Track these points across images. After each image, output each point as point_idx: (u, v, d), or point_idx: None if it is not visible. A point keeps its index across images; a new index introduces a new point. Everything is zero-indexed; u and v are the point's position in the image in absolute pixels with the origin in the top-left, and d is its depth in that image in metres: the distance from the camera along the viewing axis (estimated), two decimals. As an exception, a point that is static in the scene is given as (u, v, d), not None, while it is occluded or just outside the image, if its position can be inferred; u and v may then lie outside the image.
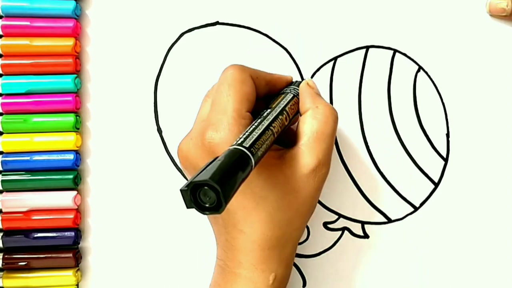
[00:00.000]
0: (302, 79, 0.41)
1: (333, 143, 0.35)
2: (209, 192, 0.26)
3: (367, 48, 0.42)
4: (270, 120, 0.33)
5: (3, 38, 0.40)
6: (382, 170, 0.41)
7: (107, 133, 0.41)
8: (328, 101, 0.41)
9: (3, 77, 0.40)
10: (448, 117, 0.42)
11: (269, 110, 0.34)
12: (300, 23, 0.41)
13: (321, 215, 0.41)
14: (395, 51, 0.42)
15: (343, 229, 0.42)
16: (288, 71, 0.41)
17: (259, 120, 0.32)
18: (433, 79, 0.42)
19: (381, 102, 0.42)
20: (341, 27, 0.41)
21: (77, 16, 0.40)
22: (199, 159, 0.33)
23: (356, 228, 0.42)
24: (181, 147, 0.35)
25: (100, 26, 0.41)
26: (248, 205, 0.32)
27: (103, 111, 0.41)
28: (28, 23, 0.39)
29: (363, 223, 0.42)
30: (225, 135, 0.32)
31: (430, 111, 0.42)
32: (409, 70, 0.42)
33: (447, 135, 0.42)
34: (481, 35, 0.42)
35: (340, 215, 0.42)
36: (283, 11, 0.41)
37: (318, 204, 0.41)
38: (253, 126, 0.31)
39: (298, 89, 0.37)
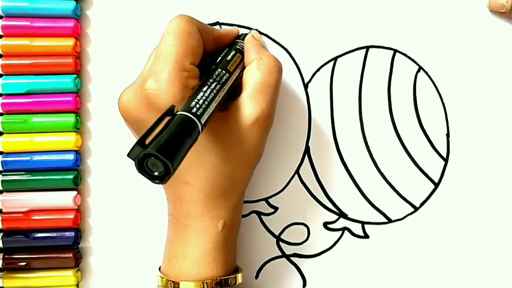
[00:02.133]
0: (304, 83, 0.41)
1: (277, 95, 0.36)
2: (157, 163, 0.27)
3: (367, 48, 0.42)
4: (217, 81, 0.33)
5: (3, 38, 0.40)
6: (382, 170, 0.41)
7: (107, 133, 0.41)
8: (329, 102, 0.41)
9: (3, 77, 0.40)
10: (448, 117, 0.42)
11: (217, 71, 0.34)
12: (300, 23, 0.41)
13: (321, 215, 0.41)
14: (395, 51, 0.42)
15: (343, 229, 0.42)
16: (288, 71, 0.41)
17: (206, 83, 0.32)
18: (433, 79, 0.42)
19: (381, 102, 0.42)
20: (341, 27, 0.41)
21: (77, 16, 0.40)
22: (140, 112, 0.33)
23: (356, 228, 0.42)
24: (121, 98, 0.35)
25: (100, 26, 0.41)
26: (192, 156, 0.32)
27: (103, 111, 0.41)
28: (28, 23, 0.39)
29: (363, 223, 0.42)
30: (165, 86, 0.32)
31: (430, 111, 0.42)
32: (409, 70, 0.42)
33: (447, 135, 0.42)
34: (481, 35, 0.42)
35: (340, 215, 0.42)
36: (283, 11, 0.41)
37: (318, 204, 0.41)
38: (200, 89, 0.31)
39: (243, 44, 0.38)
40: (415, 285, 0.42)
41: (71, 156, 0.40)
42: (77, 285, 0.41)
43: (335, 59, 0.42)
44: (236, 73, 0.36)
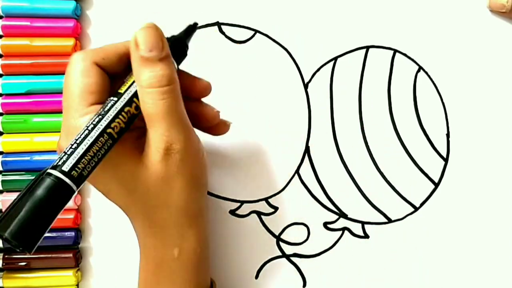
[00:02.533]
0: (304, 83, 0.41)
1: (177, 117, 0.31)
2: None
3: (367, 48, 0.42)
4: (100, 124, 0.29)
5: (3, 38, 0.40)
6: (382, 170, 0.41)
7: (107, 133, 0.41)
8: (329, 102, 0.41)
9: (3, 77, 0.40)
10: (448, 117, 0.42)
11: (105, 107, 0.30)
12: (300, 23, 0.41)
13: (321, 215, 0.41)
14: (395, 51, 0.42)
15: (343, 229, 0.42)
16: (288, 71, 0.41)
17: (86, 129, 0.29)
18: (433, 79, 0.42)
19: (381, 102, 0.42)
20: (341, 27, 0.41)
21: (77, 16, 0.40)
22: None
23: (356, 228, 0.42)
24: (58, 142, 0.33)
25: (100, 26, 0.41)
26: (123, 201, 0.33)
27: (103, 111, 0.41)
28: (28, 23, 0.39)
29: (363, 223, 0.42)
30: (65, 140, 0.31)
31: (430, 111, 0.42)
32: (409, 70, 0.42)
33: (447, 135, 0.42)
34: (481, 35, 0.42)
35: (340, 215, 0.42)
36: (283, 11, 0.41)
37: (318, 204, 0.41)
38: (80, 137, 0.29)
39: None
40: (415, 285, 0.42)
41: (71, 156, 0.40)
42: (77, 285, 0.41)
43: (335, 59, 0.42)
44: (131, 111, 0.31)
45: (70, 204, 0.40)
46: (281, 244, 0.41)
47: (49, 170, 0.28)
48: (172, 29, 0.41)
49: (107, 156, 0.30)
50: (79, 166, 0.28)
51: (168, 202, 0.33)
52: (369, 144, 0.41)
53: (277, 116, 0.41)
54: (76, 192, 0.28)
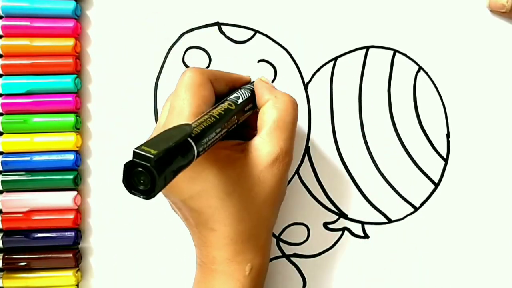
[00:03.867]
0: (304, 83, 0.41)
1: (294, 131, 0.35)
2: (145, 175, 0.25)
3: (367, 48, 0.42)
4: (220, 110, 0.32)
5: (3, 38, 0.40)
6: (382, 170, 0.41)
7: (107, 133, 0.41)
8: (329, 102, 0.41)
9: (3, 77, 0.40)
10: (448, 117, 0.42)
11: (221, 103, 0.34)
12: (300, 23, 0.41)
13: (321, 215, 0.41)
14: (395, 51, 0.42)
15: (343, 229, 0.42)
16: (288, 71, 0.41)
17: (209, 112, 0.32)
18: (433, 79, 0.42)
19: (381, 102, 0.42)
20: (341, 27, 0.41)
21: (77, 16, 0.40)
22: None
23: (356, 228, 0.42)
24: None
25: (100, 26, 0.41)
26: (215, 203, 0.32)
27: (103, 111, 0.41)
28: (28, 23, 0.39)
29: (363, 223, 0.42)
30: None
31: (430, 111, 0.42)
32: (409, 70, 0.42)
33: (447, 135, 0.42)
34: (481, 35, 0.42)
35: (340, 215, 0.42)
36: (283, 11, 0.41)
37: (318, 204, 0.41)
38: (203, 117, 0.31)
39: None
40: (415, 285, 0.42)
41: (71, 156, 0.40)
42: (77, 285, 0.41)
43: (335, 59, 0.42)
44: (242, 107, 0.35)
45: (70, 204, 0.40)
46: (281, 244, 0.41)
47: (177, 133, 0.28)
48: (172, 29, 0.41)
49: (216, 155, 0.32)
50: (200, 135, 0.29)
51: (260, 211, 0.33)
52: (369, 144, 0.41)
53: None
54: (195, 154, 0.28)
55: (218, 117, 0.31)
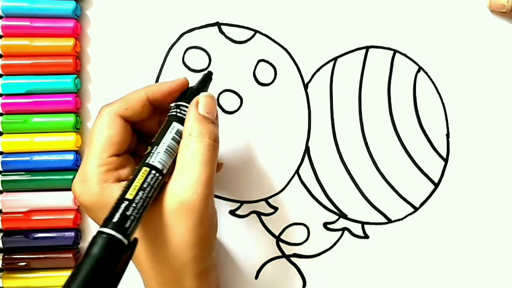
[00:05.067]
0: (304, 83, 0.41)
1: (209, 173, 0.32)
2: None
3: (367, 48, 0.42)
4: (147, 184, 0.31)
5: (3, 38, 0.40)
6: (382, 170, 0.41)
7: (107, 133, 0.41)
8: (329, 102, 0.42)
9: (3, 77, 0.40)
10: (448, 117, 0.42)
11: (147, 176, 0.32)
12: (300, 23, 0.41)
13: (321, 215, 0.41)
14: (395, 51, 0.42)
15: (343, 229, 0.42)
16: (288, 71, 0.41)
17: (133, 180, 0.31)
18: (433, 79, 0.42)
19: (381, 102, 0.42)
20: (341, 27, 0.41)
21: (77, 16, 0.40)
22: (84, 205, 0.34)
23: (356, 229, 0.42)
24: (73, 184, 0.34)
25: (100, 26, 0.41)
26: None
27: (103, 111, 0.41)
28: (28, 23, 0.39)
29: (363, 223, 0.42)
30: (86, 186, 0.33)
31: (430, 111, 0.42)
32: (409, 70, 0.42)
33: (447, 135, 0.42)
34: (481, 35, 0.42)
35: (340, 215, 0.42)
36: (283, 12, 0.41)
37: (318, 204, 0.41)
38: (125, 194, 0.30)
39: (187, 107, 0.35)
40: (415, 285, 0.42)
41: (71, 156, 0.40)
42: (77, 285, 0.41)
43: (335, 59, 0.42)
44: (173, 155, 0.33)
45: (70, 204, 0.40)
46: (281, 244, 0.41)
47: (100, 229, 0.29)
48: (172, 29, 0.41)
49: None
50: (129, 223, 0.30)
51: (176, 255, 0.33)
52: (369, 144, 0.41)
53: (277, 116, 0.41)
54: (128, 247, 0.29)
55: (148, 194, 0.31)
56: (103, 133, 0.33)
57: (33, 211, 0.40)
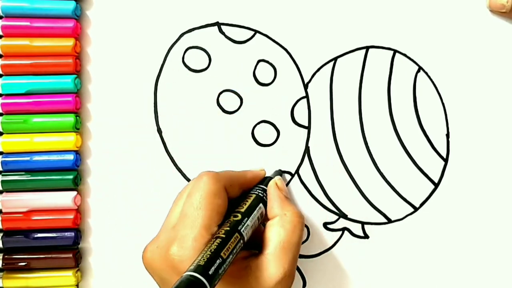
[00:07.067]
0: (304, 83, 0.41)
1: (298, 252, 0.35)
2: None
3: (367, 48, 0.42)
4: (235, 241, 0.32)
5: (3, 38, 0.40)
6: (382, 170, 0.41)
7: (107, 133, 0.41)
8: (329, 102, 0.42)
9: (3, 77, 0.40)
10: (448, 117, 0.42)
11: (236, 233, 0.33)
12: (300, 23, 0.41)
13: (321, 215, 0.41)
14: (395, 51, 0.42)
15: (343, 229, 0.42)
16: (288, 71, 0.41)
17: (222, 240, 0.32)
18: (433, 79, 0.42)
19: (381, 102, 0.42)
20: (341, 27, 0.41)
21: (77, 16, 0.40)
22: (163, 271, 0.33)
23: (356, 229, 0.42)
24: (146, 254, 0.34)
25: (100, 26, 0.41)
26: None
27: (103, 111, 0.41)
28: (28, 23, 0.39)
29: (363, 223, 0.42)
30: (189, 253, 0.32)
31: (430, 111, 0.42)
32: (409, 70, 0.42)
33: (447, 135, 0.42)
34: (481, 35, 0.42)
35: (340, 215, 0.42)
36: (283, 12, 0.41)
37: (318, 204, 0.41)
38: (213, 245, 0.31)
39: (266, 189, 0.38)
40: (415, 285, 0.42)
41: (71, 156, 0.40)
42: (77, 285, 0.41)
43: (335, 59, 0.42)
44: (256, 224, 0.35)
45: (70, 204, 0.40)
46: (281, 244, 0.41)
47: (185, 274, 0.29)
48: (172, 29, 0.41)
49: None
50: (213, 267, 0.30)
51: None
52: (369, 144, 0.41)
53: (277, 116, 0.41)
54: None
55: (233, 250, 0.32)
56: (213, 201, 0.33)
57: (33, 211, 0.40)
